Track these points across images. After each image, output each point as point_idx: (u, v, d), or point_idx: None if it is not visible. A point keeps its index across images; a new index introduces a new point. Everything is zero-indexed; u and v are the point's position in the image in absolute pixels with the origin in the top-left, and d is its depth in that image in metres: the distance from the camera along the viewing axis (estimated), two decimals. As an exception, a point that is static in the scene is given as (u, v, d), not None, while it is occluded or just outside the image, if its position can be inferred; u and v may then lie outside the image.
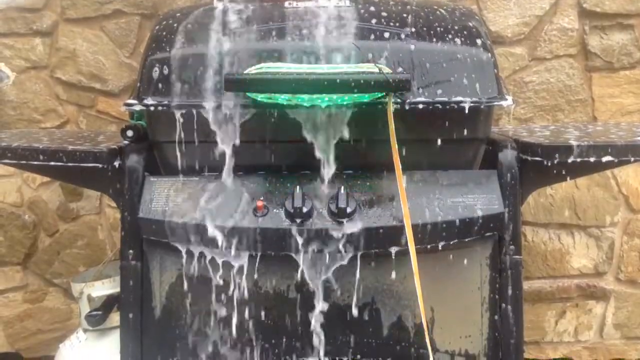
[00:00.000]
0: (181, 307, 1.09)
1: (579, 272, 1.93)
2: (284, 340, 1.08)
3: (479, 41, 1.05)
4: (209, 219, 1.01)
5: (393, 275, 1.06)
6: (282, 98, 0.98)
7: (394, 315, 1.09)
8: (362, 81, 0.92)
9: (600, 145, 1.03)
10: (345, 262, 1.01)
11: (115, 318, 1.46)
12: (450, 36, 1.04)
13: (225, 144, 1.02)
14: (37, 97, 1.88)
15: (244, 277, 1.05)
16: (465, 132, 1.06)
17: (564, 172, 1.09)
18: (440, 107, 1.00)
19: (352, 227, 0.99)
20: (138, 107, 1.04)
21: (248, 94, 0.99)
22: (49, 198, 1.93)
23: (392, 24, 1.05)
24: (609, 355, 1.99)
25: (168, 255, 1.08)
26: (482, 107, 1.04)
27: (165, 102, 1.02)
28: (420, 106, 1.00)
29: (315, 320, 1.06)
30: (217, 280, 1.06)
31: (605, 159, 1.02)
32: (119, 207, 1.10)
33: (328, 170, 1.03)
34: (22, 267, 1.97)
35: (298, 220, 0.99)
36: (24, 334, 2.01)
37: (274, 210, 1.02)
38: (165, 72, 1.03)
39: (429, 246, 1.02)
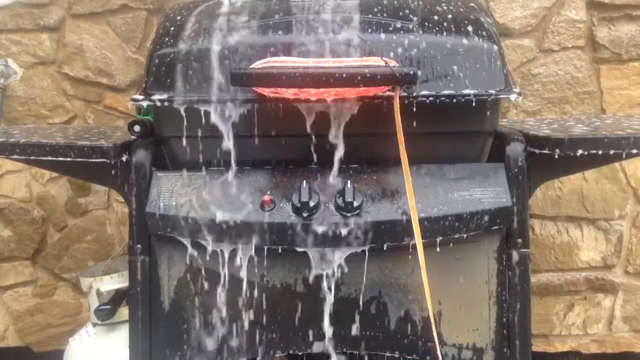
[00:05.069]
0: (189, 301, 1.10)
1: (588, 265, 1.93)
2: (292, 333, 1.09)
3: (485, 33, 1.05)
4: (216, 214, 1.01)
5: (400, 269, 1.06)
6: (288, 92, 0.98)
7: (402, 309, 1.09)
8: (368, 75, 0.92)
9: (608, 137, 1.02)
10: (352, 256, 1.01)
11: (124, 312, 1.47)
12: (456, 28, 1.04)
13: (232, 139, 1.02)
14: (44, 93, 1.89)
15: (251, 271, 1.06)
16: (473, 125, 1.06)
17: (572, 165, 1.08)
18: (447, 100, 1.00)
19: (359, 221, 0.99)
20: (144, 103, 1.04)
21: (254, 88, 0.99)
22: (58, 193, 1.94)
23: (398, 16, 1.04)
24: (617, 348, 1.99)
25: (176, 250, 1.09)
26: (489, 100, 1.03)
27: (172, 97, 1.03)
28: (427, 99, 0.99)
29: (323, 314, 1.06)
30: (225, 274, 1.06)
31: (613, 151, 1.02)
32: (127, 202, 1.10)
33: (334, 165, 1.03)
34: (32, 262, 1.99)
35: (305, 215, 1.00)
36: (34, 328, 2.03)
37: (281, 204, 1.02)
38: (172, 67, 1.04)
39: (436, 240, 1.01)
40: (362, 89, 0.96)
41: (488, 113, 1.07)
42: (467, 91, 1.00)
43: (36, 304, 2.01)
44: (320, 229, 0.99)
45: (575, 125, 1.23)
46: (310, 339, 1.08)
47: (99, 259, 1.93)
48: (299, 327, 1.08)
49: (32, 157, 1.11)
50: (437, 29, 1.03)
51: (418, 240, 0.97)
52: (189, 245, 1.05)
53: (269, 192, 1.03)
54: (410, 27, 1.03)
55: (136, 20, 1.85)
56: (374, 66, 0.95)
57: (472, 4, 1.12)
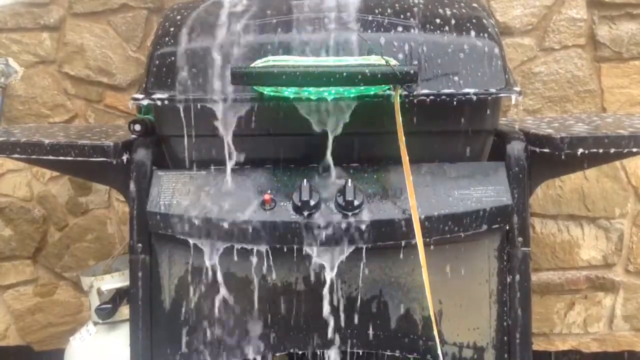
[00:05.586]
0: (190, 300, 1.10)
1: (588, 264, 1.92)
2: (292, 332, 1.09)
3: (486, 32, 1.05)
4: (217, 213, 1.02)
5: (401, 267, 1.06)
6: (288, 91, 0.98)
7: (402, 308, 1.09)
8: (368, 74, 0.92)
9: (609, 136, 1.02)
10: (352, 254, 1.01)
11: (125, 311, 1.47)
12: (457, 27, 1.04)
13: (232, 138, 1.02)
14: (45, 92, 1.89)
15: (251, 270, 1.06)
16: (473, 124, 1.06)
17: (572, 164, 1.08)
18: (447, 99, 1.00)
19: (360, 219, 0.99)
20: (145, 102, 1.04)
21: (255, 87, 0.99)
22: (58, 192, 1.94)
23: (398, 15, 1.04)
24: (618, 346, 1.99)
25: (176, 249, 1.09)
26: (489, 98, 1.03)
27: (172, 96, 1.03)
28: (428, 98, 0.99)
29: (323, 313, 1.06)
30: (225, 273, 1.06)
31: (614, 150, 1.02)
32: (127, 201, 1.10)
33: (335, 164, 1.03)
34: (33, 261, 1.99)
35: (305, 214, 1.00)
36: (35, 327, 2.03)
37: (282, 203, 1.02)
38: (172, 66, 1.04)
39: (436, 239, 1.01)
40: (362, 87, 0.96)
41: (488, 112, 1.06)
42: (467, 90, 1.00)
43: (37, 303, 2.02)
44: (320, 228, 0.99)
45: (576, 124, 1.23)
46: (311, 338, 1.08)
47: (99, 258, 1.94)
48: (299, 326, 1.08)
49: (33, 157, 1.11)
50: (437, 28, 1.03)
51: (419, 239, 0.97)
52: (189, 245, 1.05)
53: (269, 191, 1.03)
54: (411, 26, 1.03)
55: (136, 20, 1.85)
56: (374, 65, 0.95)
57: (472, 3, 1.12)
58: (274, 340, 1.09)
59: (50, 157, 1.09)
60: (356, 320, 1.08)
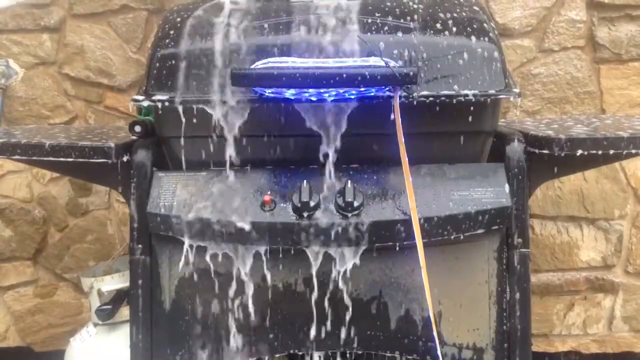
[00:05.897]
0: (190, 301, 1.10)
1: (588, 265, 1.93)
2: (292, 333, 1.09)
3: (485, 34, 1.05)
4: (217, 214, 1.02)
5: (400, 268, 1.07)
6: (288, 92, 0.98)
7: (402, 309, 1.09)
8: (368, 75, 0.92)
9: (608, 138, 1.02)
10: (352, 255, 1.01)
11: (125, 312, 1.47)
12: (456, 29, 1.04)
13: (232, 139, 1.03)
14: (45, 93, 1.89)
15: (251, 271, 1.06)
16: (472, 125, 1.06)
17: (571, 165, 1.08)
18: (447, 100, 1.00)
19: (359, 220, 0.99)
20: (145, 103, 1.04)
21: (255, 88, 1.00)
22: (59, 193, 1.94)
23: (398, 17, 1.05)
24: (617, 348, 1.99)
25: (176, 250, 1.09)
26: (489, 100, 1.03)
27: (172, 98, 1.03)
28: (427, 100, 1.00)
29: (323, 314, 1.06)
30: (225, 274, 1.06)
31: (613, 151, 1.02)
32: (127, 202, 1.11)
33: (335, 165, 1.03)
34: (33, 262, 1.99)
35: (305, 215, 1.00)
36: (35, 328, 2.03)
37: (281, 204, 1.02)
38: (172, 67, 1.04)
39: (436, 239, 1.02)
40: (362, 89, 0.96)
41: (488, 113, 1.07)
42: (467, 91, 1.01)
43: (37, 304, 2.02)
44: (320, 229, 0.99)
45: (575, 125, 1.23)
46: (311, 338, 1.08)
47: (99, 259, 1.94)
48: (299, 327, 1.08)
49: (34, 158, 1.11)
50: (437, 29, 1.04)
51: (418, 240, 0.97)
52: (189, 246, 1.05)
53: (269, 192, 1.03)
54: (411, 28, 1.03)
55: (137, 21, 1.85)
56: (374, 66, 0.95)
57: (471, 5, 1.12)
58: (273, 341, 1.09)
59: (51, 159, 1.09)
60: (356, 321, 1.08)
